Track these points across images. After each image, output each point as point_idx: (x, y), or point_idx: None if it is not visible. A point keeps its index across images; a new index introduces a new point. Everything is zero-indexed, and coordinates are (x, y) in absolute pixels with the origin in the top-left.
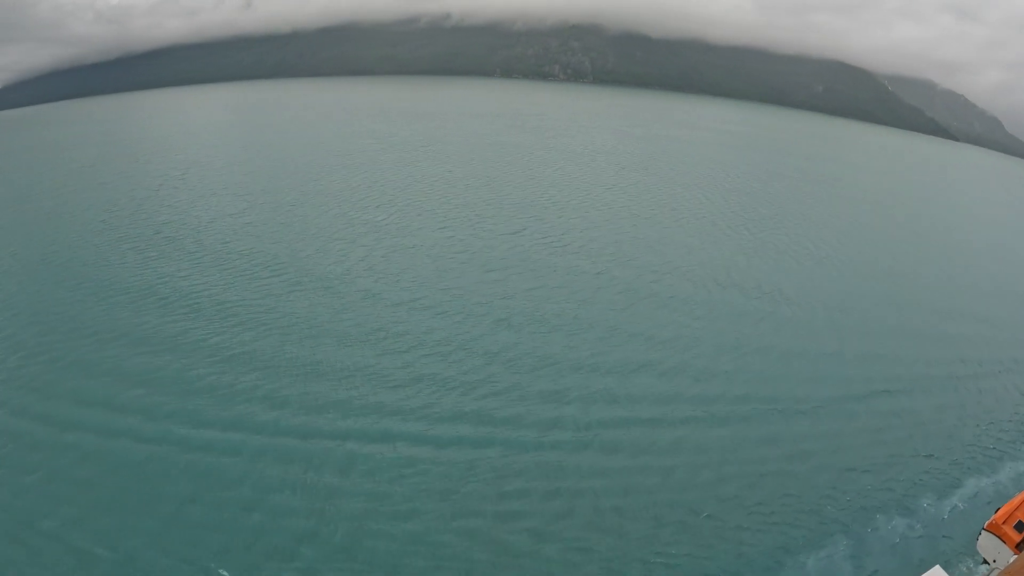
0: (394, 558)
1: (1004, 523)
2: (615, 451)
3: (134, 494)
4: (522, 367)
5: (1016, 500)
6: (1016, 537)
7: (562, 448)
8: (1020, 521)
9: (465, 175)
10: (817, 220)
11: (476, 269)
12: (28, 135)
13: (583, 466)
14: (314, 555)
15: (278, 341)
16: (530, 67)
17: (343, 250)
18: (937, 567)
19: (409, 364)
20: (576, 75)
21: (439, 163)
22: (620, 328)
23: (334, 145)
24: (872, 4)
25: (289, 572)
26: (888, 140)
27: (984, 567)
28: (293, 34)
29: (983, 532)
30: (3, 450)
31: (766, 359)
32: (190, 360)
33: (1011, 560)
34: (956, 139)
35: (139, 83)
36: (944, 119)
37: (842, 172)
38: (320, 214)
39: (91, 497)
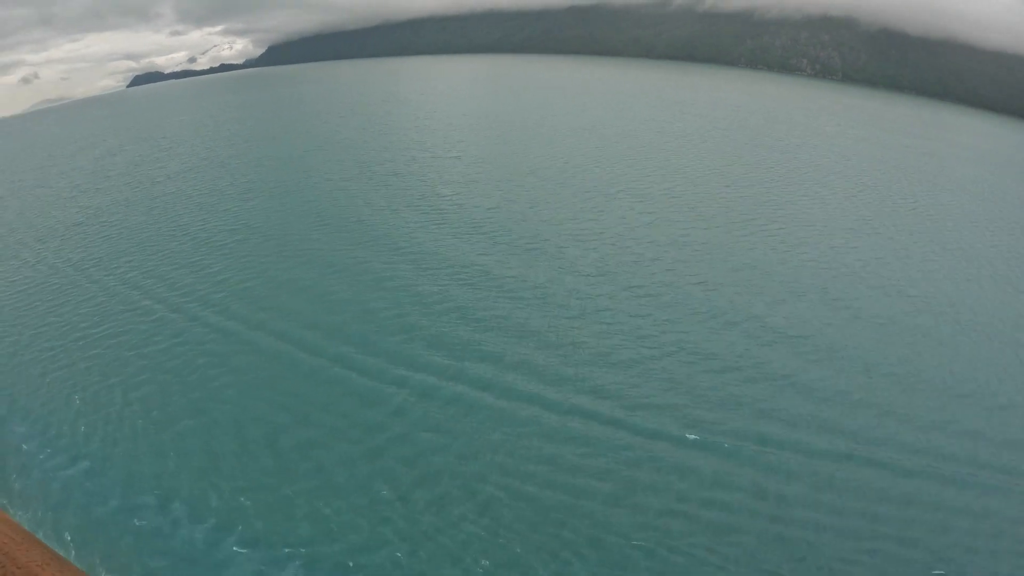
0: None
1: None
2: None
3: (340, 418)
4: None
5: None
6: None
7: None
8: None
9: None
10: None
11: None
12: (295, 88)
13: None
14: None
15: (510, 305)
16: (776, 59)
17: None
18: None
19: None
20: (824, 71)
21: (706, 163)
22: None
23: (598, 123)
24: None
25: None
26: None
27: None
28: (543, 11)
29: None
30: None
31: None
32: (408, 305)
33: None
34: None
35: (394, 50)
36: None
37: None
38: (571, 189)
39: (299, 411)
